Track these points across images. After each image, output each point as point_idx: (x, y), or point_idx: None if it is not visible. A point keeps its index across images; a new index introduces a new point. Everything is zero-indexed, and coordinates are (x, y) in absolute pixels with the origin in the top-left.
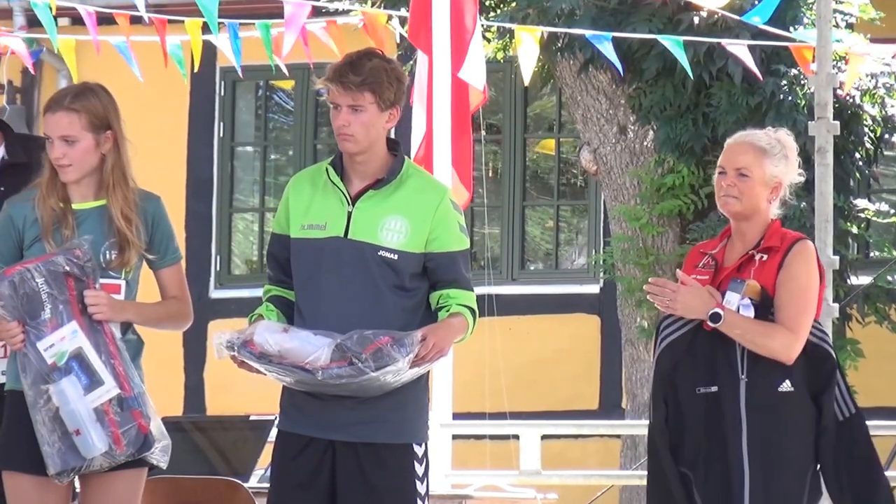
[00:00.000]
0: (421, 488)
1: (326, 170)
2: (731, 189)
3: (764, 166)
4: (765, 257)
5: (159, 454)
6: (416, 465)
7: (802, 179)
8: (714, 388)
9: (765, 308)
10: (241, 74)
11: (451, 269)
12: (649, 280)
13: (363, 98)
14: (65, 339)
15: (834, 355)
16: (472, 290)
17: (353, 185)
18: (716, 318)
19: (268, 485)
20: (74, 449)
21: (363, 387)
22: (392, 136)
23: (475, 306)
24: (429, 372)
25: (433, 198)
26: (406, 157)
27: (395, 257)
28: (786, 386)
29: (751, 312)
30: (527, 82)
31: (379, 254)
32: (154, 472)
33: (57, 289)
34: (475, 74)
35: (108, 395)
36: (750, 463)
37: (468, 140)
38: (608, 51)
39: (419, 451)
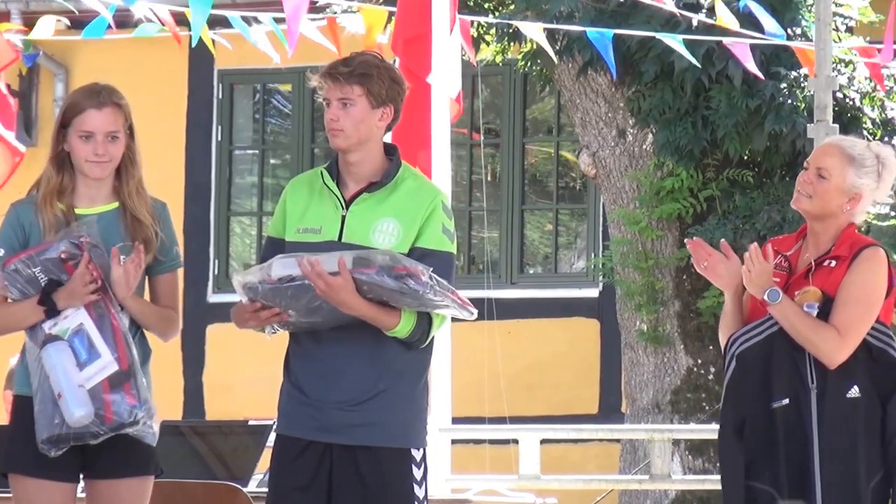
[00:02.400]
0: (419, 492)
1: (321, 174)
2: (807, 186)
3: (846, 174)
4: (833, 264)
5: (150, 429)
6: (414, 468)
7: (892, 201)
8: (785, 401)
9: (827, 314)
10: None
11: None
12: (751, 247)
13: (352, 91)
14: (68, 317)
15: None
16: None
17: (348, 189)
18: (774, 295)
19: (266, 489)
20: (62, 417)
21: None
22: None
23: (436, 318)
24: (428, 376)
25: (424, 200)
26: (403, 162)
27: None
28: (854, 392)
29: (814, 313)
30: (555, 60)
31: None
32: (157, 477)
33: (58, 275)
34: (445, 80)
35: (106, 370)
36: (822, 476)
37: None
38: (606, 50)
39: (417, 455)
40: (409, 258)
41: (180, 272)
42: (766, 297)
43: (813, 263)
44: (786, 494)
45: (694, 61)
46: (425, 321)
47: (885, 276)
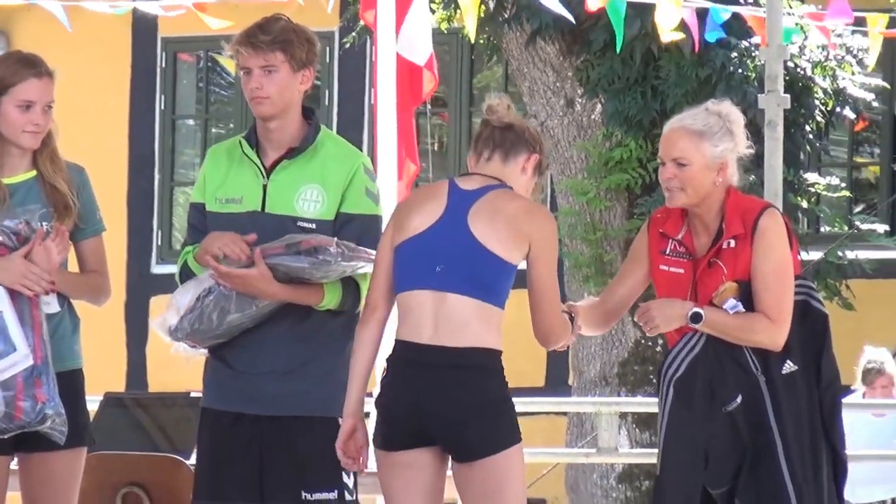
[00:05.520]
0: None
1: (240, 143)
2: (673, 181)
3: (703, 150)
4: (733, 244)
5: (58, 427)
6: None
7: (752, 151)
8: (738, 399)
9: (748, 295)
10: None
11: (349, 232)
12: (640, 310)
13: (275, 57)
14: None
15: (825, 311)
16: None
17: (268, 157)
18: (696, 317)
19: None
20: None
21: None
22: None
23: (361, 281)
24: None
25: (347, 164)
26: (322, 126)
27: (313, 227)
28: (787, 366)
29: (742, 310)
30: (472, 38)
31: (297, 224)
32: (93, 448)
33: None
34: (414, 48)
35: (21, 364)
36: (786, 458)
37: (410, 114)
38: (555, 6)
39: None
40: (309, 232)
41: (112, 239)
42: (689, 323)
43: (716, 252)
44: (748, 486)
45: (619, 30)
46: (352, 285)
47: (786, 234)
